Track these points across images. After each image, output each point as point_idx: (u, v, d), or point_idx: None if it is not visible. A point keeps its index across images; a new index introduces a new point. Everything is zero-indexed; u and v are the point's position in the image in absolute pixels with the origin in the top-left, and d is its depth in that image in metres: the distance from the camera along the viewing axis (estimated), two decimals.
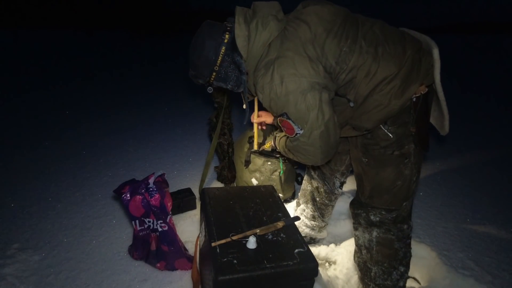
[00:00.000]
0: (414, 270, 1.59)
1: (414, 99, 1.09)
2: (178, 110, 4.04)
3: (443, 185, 2.40)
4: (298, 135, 1.07)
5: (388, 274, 1.26)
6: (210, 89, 1.21)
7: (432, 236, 1.81)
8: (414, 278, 1.52)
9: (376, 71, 1.03)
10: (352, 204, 1.33)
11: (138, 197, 1.42)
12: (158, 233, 1.48)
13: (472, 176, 2.58)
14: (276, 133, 1.43)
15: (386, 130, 1.13)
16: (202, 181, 1.92)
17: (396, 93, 1.05)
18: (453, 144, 3.16)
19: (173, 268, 1.51)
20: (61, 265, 1.55)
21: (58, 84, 5.18)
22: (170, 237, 1.48)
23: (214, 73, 1.15)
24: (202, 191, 1.46)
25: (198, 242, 1.56)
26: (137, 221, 1.47)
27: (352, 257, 1.56)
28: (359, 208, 1.28)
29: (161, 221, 1.45)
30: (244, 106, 1.28)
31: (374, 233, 1.25)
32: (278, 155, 1.88)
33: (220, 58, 1.11)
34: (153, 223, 1.47)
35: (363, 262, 1.32)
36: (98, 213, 1.95)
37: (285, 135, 1.25)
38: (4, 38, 10.75)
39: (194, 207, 1.98)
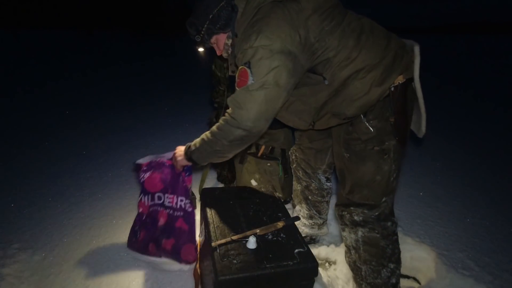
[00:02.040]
0: (414, 270, 1.59)
1: (393, 89, 1.13)
2: (178, 110, 4.04)
3: (443, 185, 2.40)
4: (248, 86, 1.08)
5: (377, 273, 1.27)
6: (198, 38, 1.23)
7: (432, 236, 1.81)
8: (414, 278, 1.52)
9: (357, 57, 1.08)
10: (336, 206, 1.35)
11: (157, 173, 1.44)
12: (178, 212, 1.47)
13: (472, 176, 2.58)
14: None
15: (367, 124, 1.16)
16: (202, 181, 1.92)
17: (377, 81, 1.09)
18: (453, 144, 3.17)
19: (178, 252, 1.47)
20: (61, 265, 1.55)
21: (58, 84, 5.18)
22: (192, 218, 1.48)
23: (207, 22, 1.19)
24: (202, 191, 1.46)
25: (198, 242, 1.56)
26: (148, 196, 1.48)
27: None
28: (343, 210, 1.30)
29: (189, 201, 1.46)
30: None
31: (359, 233, 1.27)
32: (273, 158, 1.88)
33: (218, 6, 1.17)
34: (174, 199, 1.47)
35: (353, 262, 1.33)
36: (98, 213, 1.95)
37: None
38: (4, 38, 10.74)
39: (194, 207, 1.98)
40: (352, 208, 1.26)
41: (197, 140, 1.27)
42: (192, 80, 5.63)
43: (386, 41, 1.13)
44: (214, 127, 1.20)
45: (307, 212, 1.68)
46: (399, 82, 1.13)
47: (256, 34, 1.06)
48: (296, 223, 1.42)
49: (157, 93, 4.84)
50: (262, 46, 1.04)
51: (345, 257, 1.40)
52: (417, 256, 1.63)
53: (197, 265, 1.48)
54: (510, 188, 2.41)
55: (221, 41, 1.26)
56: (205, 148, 1.23)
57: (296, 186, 1.69)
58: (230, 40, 1.25)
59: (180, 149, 1.37)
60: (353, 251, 1.32)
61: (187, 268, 1.54)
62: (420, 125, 1.24)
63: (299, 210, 1.71)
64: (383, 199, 1.23)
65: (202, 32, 1.21)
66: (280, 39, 1.04)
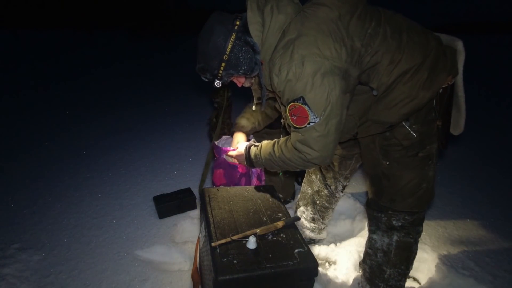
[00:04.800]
0: (414, 270, 1.59)
1: (441, 91, 1.06)
2: (178, 110, 4.04)
3: (443, 185, 2.40)
4: (312, 124, 0.96)
5: (403, 275, 1.25)
6: (218, 83, 1.09)
7: (432, 236, 1.81)
8: (414, 278, 1.52)
9: (400, 60, 0.99)
10: (369, 206, 1.28)
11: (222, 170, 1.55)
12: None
13: (472, 176, 2.58)
14: (252, 144, 1.32)
15: (409, 129, 1.08)
16: (202, 181, 1.92)
17: (424, 84, 1.00)
18: (453, 144, 3.16)
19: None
20: (61, 265, 1.55)
21: (58, 84, 5.18)
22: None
23: (223, 64, 1.04)
24: (202, 191, 1.46)
25: (198, 242, 1.56)
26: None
27: (350, 256, 1.55)
28: (379, 211, 1.23)
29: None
30: (253, 98, 1.27)
31: (395, 237, 1.21)
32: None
33: (230, 44, 1.02)
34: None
35: (377, 265, 1.28)
36: (98, 213, 1.95)
37: (274, 141, 1.19)
38: (4, 38, 10.74)
39: (194, 207, 1.98)
40: (391, 212, 1.19)
41: (263, 154, 1.21)
42: (192, 80, 5.63)
43: (424, 37, 1.03)
44: (284, 154, 1.11)
45: (311, 215, 1.66)
46: (448, 84, 1.05)
47: (299, 59, 0.92)
48: (296, 225, 1.42)
49: (157, 93, 4.83)
50: (310, 74, 0.91)
51: (365, 259, 1.34)
52: (417, 256, 1.62)
53: (196, 268, 1.48)
54: (510, 188, 2.41)
55: (241, 78, 1.16)
56: (271, 166, 1.21)
57: (306, 189, 1.65)
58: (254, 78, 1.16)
59: (240, 153, 1.33)
60: (381, 254, 1.26)
61: (186, 268, 1.55)
62: (458, 122, 1.17)
63: (302, 212, 1.69)
64: (426, 206, 1.19)
65: (220, 75, 1.07)
66: (327, 59, 0.91)
